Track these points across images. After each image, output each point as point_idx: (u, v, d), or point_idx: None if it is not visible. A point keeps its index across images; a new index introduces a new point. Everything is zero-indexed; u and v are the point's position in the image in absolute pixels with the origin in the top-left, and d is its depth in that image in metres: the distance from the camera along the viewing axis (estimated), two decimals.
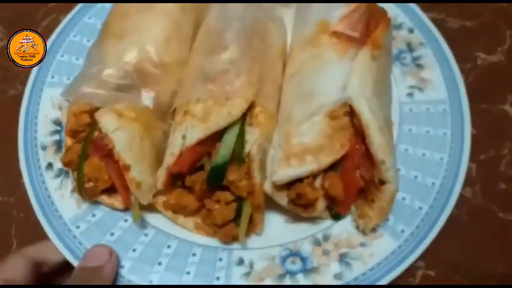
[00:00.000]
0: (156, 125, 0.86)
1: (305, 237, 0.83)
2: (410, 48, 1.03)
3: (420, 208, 0.84)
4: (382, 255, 0.80)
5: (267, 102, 0.86)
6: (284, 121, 0.84)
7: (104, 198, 0.84)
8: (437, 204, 0.84)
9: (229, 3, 0.94)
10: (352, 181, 0.79)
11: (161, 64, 0.88)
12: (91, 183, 0.81)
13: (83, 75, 0.88)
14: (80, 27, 1.06)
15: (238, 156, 0.79)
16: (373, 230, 0.82)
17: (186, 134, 0.78)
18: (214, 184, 0.78)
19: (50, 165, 0.89)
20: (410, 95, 0.97)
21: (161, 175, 0.79)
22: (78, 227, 0.83)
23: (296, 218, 0.85)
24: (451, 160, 0.88)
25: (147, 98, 0.85)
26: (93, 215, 0.85)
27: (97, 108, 0.82)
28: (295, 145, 0.78)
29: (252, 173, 0.78)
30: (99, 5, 1.08)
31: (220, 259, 0.81)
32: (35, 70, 0.99)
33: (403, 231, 0.82)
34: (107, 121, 0.79)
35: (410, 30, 1.04)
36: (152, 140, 0.84)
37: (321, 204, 0.80)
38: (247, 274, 0.79)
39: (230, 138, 0.80)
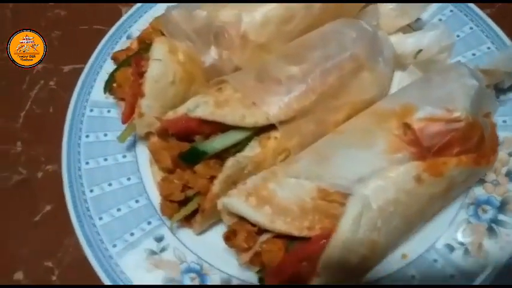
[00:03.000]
0: (199, 82, 0.86)
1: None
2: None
3: None
4: None
5: (290, 136, 0.78)
6: (288, 161, 0.76)
7: (120, 103, 0.89)
8: None
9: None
10: (292, 266, 0.67)
11: (244, 38, 0.86)
12: (115, 85, 0.88)
13: (186, 4, 0.90)
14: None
15: (221, 156, 0.76)
16: None
17: (199, 105, 0.77)
18: (184, 160, 0.77)
19: None
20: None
21: (157, 122, 0.80)
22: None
23: None
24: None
25: (209, 56, 0.85)
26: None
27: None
28: (268, 189, 0.70)
29: (214, 180, 0.75)
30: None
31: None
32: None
33: None
34: (156, 48, 0.83)
35: None
36: (182, 91, 0.85)
37: (247, 256, 0.71)
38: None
39: (231, 137, 0.76)
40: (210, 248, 0.80)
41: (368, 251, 0.66)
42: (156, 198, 0.83)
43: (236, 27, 0.86)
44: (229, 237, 0.72)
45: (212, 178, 0.75)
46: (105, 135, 0.91)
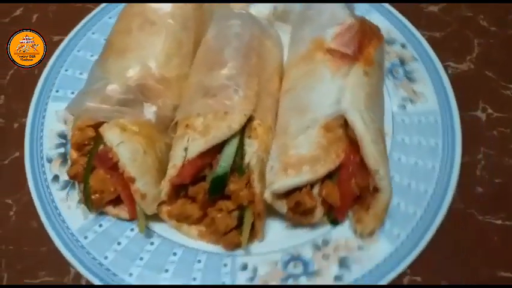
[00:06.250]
0: (158, 138, 0.89)
1: (305, 242, 0.87)
2: (402, 62, 1.07)
3: (414, 213, 0.88)
4: (379, 258, 0.84)
5: (265, 116, 0.90)
6: (281, 133, 0.88)
7: (110, 209, 0.88)
8: (431, 209, 0.88)
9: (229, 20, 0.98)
10: (348, 189, 0.83)
11: (163, 79, 0.92)
12: (97, 195, 0.85)
13: (87, 90, 0.91)
14: (84, 43, 1.10)
15: (238, 167, 0.83)
16: (371, 234, 0.85)
17: (188, 146, 0.82)
18: (215, 194, 0.82)
19: (56, 178, 0.92)
20: (402, 106, 1.02)
21: (165, 186, 0.83)
22: (85, 237, 0.86)
23: (296, 224, 0.89)
24: (442, 168, 0.92)
25: (149, 112, 0.89)
26: (100, 225, 0.88)
27: (102, 123, 0.85)
28: (292, 156, 0.82)
29: (252, 183, 0.82)
30: (103, 20, 1.14)
31: (225, 265, 0.85)
32: (40, 84, 1.02)
33: (399, 235, 0.86)
34: (111, 135, 0.83)
35: (403, 45, 1.09)
36: (155, 153, 0.87)
37: (319, 211, 0.84)
38: (251, 279, 0.83)
39: (230, 150, 0.83)
40: None
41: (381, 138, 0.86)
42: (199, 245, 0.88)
43: (152, 77, 0.91)
44: (294, 209, 0.83)
45: (246, 185, 0.82)
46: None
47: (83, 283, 0.90)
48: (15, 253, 0.93)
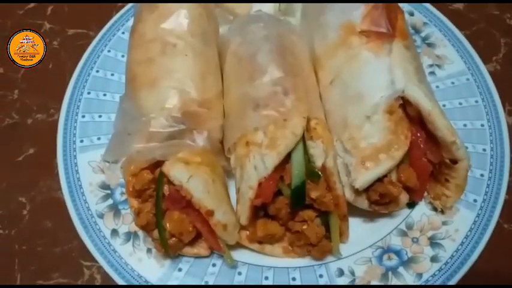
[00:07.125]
0: (216, 163, 0.85)
1: (390, 231, 0.86)
2: (416, 30, 1.09)
3: (482, 175, 0.89)
4: (466, 228, 0.84)
5: (318, 114, 0.87)
6: (341, 127, 0.85)
7: (188, 249, 0.83)
8: (495, 168, 0.90)
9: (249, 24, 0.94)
10: (422, 168, 0.83)
11: (204, 101, 0.86)
12: (174, 239, 0.79)
13: (126, 132, 0.84)
14: (92, 82, 1.01)
15: (310, 172, 0.79)
16: (452, 207, 0.85)
17: (257, 164, 0.78)
18: (298, 205, 0.79)
19: (114, 232, 0.85)
20: (432, 73, 1.03)
21: (244, 210, 0.79)
22: None
23: (371, 216, 0.87)
24: (491, 124, 0.95)
25: (201, 138, 0.83)
26: (179, 270, 0.82)
27: (156, 163, 0.80)
28: (365, 148, 0.80)
29: (334, 185, 0.79)
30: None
31: (321, 275, 0.82)
32: (60, 137, 0.93)
33: (475, 200, 0.87)
34: (177, 172, 0.77)
35: (411, 13, 1.10)
36: (219, 179, 0.83)
37: (403, 198, 0.82)
38: (352, 282, 0.81)
39: (298, 156, 0.79)
40: None
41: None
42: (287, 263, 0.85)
43: (193, 101, 0.85)
44: (378, 202, 0.81)
45: (327, 189, 0.79)
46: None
47: None
48: (28, 253, 0.90)
